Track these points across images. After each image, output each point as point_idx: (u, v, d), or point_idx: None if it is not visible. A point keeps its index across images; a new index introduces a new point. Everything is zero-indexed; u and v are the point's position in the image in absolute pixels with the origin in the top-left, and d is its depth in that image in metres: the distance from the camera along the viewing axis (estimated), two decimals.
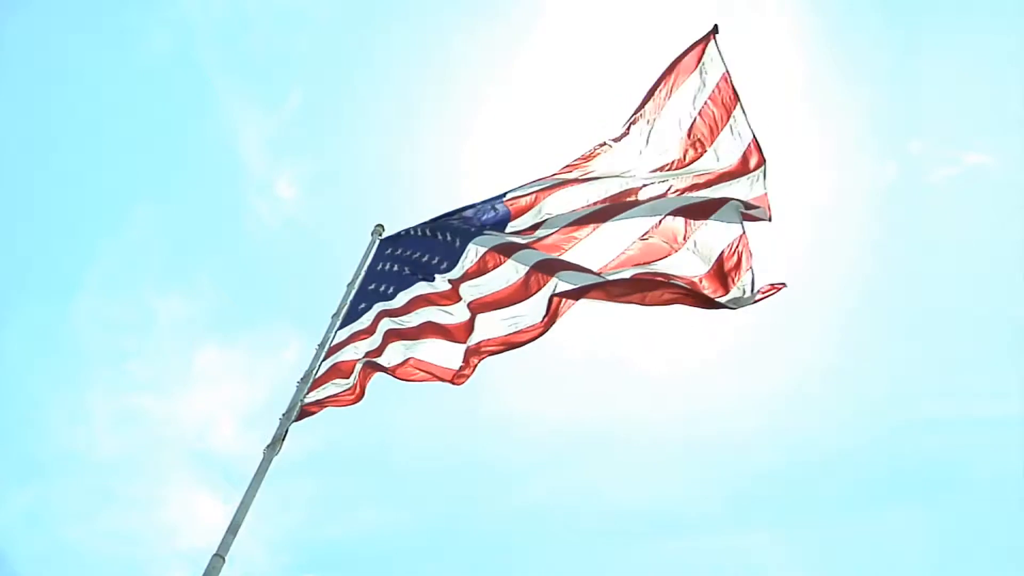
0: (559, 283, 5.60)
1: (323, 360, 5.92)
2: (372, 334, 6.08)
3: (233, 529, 4.87)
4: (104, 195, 21.36)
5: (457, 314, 5.94)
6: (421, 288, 6.14)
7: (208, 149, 21.97)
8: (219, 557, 4.71)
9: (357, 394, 5.90)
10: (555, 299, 5.60)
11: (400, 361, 5.96)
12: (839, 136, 20.45)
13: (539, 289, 5.68)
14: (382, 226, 6.81)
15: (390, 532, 18.33)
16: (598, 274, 5.55)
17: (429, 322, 6.00)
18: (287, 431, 5.46)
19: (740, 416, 18.28)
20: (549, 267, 5.70)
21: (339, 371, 5.93)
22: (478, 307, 5.85)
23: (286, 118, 21.42)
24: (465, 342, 5.85)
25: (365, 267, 6.52)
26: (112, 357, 19.51)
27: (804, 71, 20.29)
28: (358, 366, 5.94)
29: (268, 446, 5.34)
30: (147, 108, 21.06)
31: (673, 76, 6.07)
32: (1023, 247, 17.01)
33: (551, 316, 5.60)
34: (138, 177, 21.46)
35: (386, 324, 6.09)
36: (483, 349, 5.81)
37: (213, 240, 21.70)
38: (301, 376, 5.81)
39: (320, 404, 5.77)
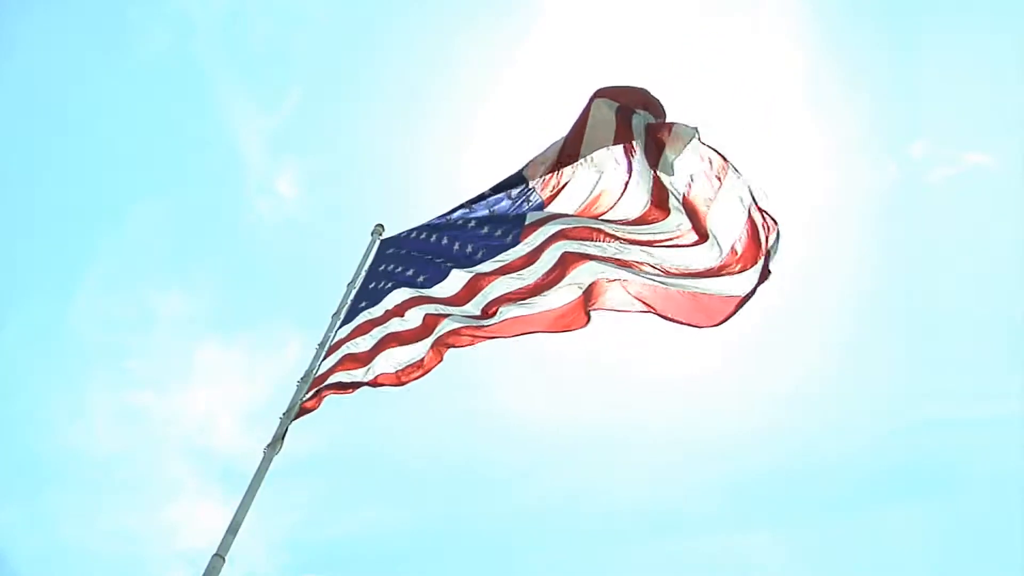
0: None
1: (323, 359, 5.92)
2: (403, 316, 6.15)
3: (233, 529, 4.88)
4: (104, 193, 21.38)
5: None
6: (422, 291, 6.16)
7: (208, 147, 21.98)
8: (219, 557, 4.71)
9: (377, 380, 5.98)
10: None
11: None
12: (839, 136, 20.48)
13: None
14: (382, 226, 6.82)
15: (390, 532, 18.34)
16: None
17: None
18: (287, 430, 5.47)
19: (740, 416, 18.30)
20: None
21: (354, 361, 5.95)
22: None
23: (286, 116, 21.45)
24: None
25: (366, 267, 6.53)
26: (112, 355, 19.52)
27: (804, 71, 20.31)
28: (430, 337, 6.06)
29: (268, 445, 5.35)
30: (147, 106, 21.09)
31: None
32: (1023, 247, 17.03)
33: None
34: (138, 175, 21.48)
35: (425, 310, 6.13)
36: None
37: (213, 238, 21.71)
38: (301, 375, 5.83)
39: (320, 398, 5.77)
